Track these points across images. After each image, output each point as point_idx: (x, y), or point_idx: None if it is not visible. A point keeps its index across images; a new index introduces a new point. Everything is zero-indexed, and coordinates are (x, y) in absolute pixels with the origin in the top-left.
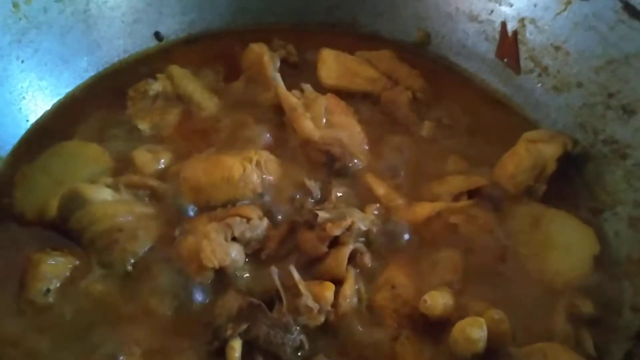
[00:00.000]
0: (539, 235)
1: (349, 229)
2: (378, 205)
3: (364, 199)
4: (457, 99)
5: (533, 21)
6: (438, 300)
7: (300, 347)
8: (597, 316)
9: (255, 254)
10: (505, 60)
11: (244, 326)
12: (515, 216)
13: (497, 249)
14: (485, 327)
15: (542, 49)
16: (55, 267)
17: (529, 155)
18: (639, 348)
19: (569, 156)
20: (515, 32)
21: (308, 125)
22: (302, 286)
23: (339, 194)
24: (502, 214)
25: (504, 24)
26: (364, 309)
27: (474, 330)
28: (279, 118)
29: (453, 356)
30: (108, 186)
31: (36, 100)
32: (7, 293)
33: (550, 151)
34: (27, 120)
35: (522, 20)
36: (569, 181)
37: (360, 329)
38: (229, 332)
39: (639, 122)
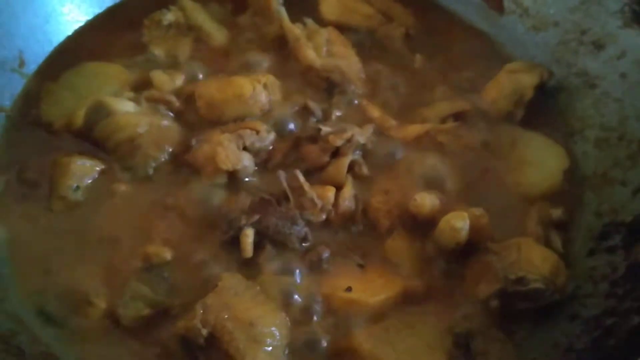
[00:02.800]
0: (516, 153)
1: (349, 140)
2: (373, 125)
3: (360, 121)
4: (445, 36)
5: None
6: (426, 201)
7: (304, 238)
8: (565, 220)
9: (263, 164)
10: (490, 2)
11: (256, 217)
12: (496, 136)
13: (479, 164)
14: (467, 220)
15: None
16: (83, 167)
17: (510, 83)
18: (601, 246)
19: (544, 87)
20: None
21: (310, 54)
22: (306, 186)
23: (338, 114)
24: (484, 135)
25: None
26: (361, 210)
27: (457, 221)
28: (282, 49)
29: (439, 248)
30: (130, 99)
31: (58, 25)
32: (38, 194)
33: (529, 80)
34: (51, 43)
35: None
36: (545, 109)
37: (357, 227)
38: (242, 222)
39: (607, 56)
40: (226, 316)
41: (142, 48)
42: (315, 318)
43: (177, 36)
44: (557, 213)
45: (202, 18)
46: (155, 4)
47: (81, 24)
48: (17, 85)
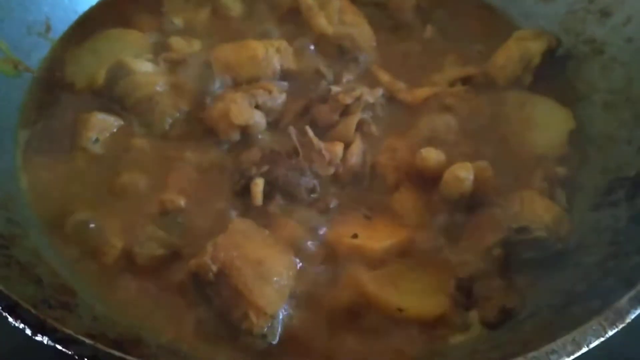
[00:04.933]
0: (522, 115)
1: (358, 99)
2: (382, 88)
3: (370, 85)
4: (456, 8)
5: None
6: (432, 155)
7: (313, 189)
8: (571, 178)
9: (275, 123)
10: None
11: (266, 168)
12: (503, 100)
13: (486, 125)
14: (471, 171)
15: None
16: (103, 122)
17: (518, 50)
18: (605, 201)
19: (553, 55)
20: None
21: (322, 22)
22: (315, 140)
23: (349, 78)
24: (492, 98)
25: None
26: (368, 167)
27: (462, 171)
28: (296, 19)
29: (444, 200)
30: (149, 61)
31: None
32: (60, 147)
33: (536, 46)
34: (76, 12)
35: None
36: (553, 75)
37: (365, 182)
38: (253, 172)
39: (613, 22)
40: (235, 254)
41: (162, 17)
42: (322, 262)
43: (195, 7)
44: (562, 171)
45: None
46: None
47: None
48: (43, 49)
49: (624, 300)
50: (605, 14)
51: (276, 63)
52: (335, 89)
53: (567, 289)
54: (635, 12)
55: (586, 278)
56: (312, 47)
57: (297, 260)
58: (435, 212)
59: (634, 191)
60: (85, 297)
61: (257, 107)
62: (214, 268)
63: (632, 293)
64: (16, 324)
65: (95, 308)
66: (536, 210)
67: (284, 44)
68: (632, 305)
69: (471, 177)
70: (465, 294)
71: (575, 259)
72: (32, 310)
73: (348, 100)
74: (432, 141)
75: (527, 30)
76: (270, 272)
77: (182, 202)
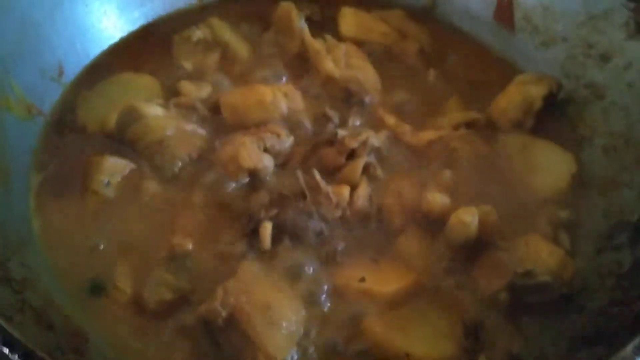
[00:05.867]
0: (525, 159)
1: (364, 143)
2: (388, 131)
3: (375, 128)
4: (459, 52)
5: None
6: (437, 199)
7: (320, 232)
8: (573, 221)
9: (282, 166)
10: (502, 21)
11: (275, 211)
12: (506, 144)
13: (489, 169)
14: (476, 215)
15: (533, 9)
16: (114, 165)
17: (519, 94)
18: (608, 245)
19: (554, 99)
20: None
21: (329, 66)
22: (323, 184)
23: (355, 123)
24: (495, 142)
25: None
26: (375, 209)
27: (467, 216)
28: (303, 63)
29: (449, 244)
30: (160, 105)
31: (95, 39)
32: (72, 190)
33: (538, 91)
34: (88, 56)
35: None
36: (554, 119)
37: (371, 224)
38: (261, 215)
39: (613, 66)
40: (244, 299)
41: (172, 62)
42: (329, 306)
43: (204, 51)
44: (565, 214)
45: (228, 35)
46: (185, 23)
47: (116, 39)
48: (55, 93)
49: (629, 348)
50: (605, 58)
51: (284, 107)
52: (341, 132)
53: (572, 335)
54: (635, 57)
55: (591, 323)
56: (319, 91)
57: (305, 305)
58: (441, 256)
59: (636, 236)
60: (97, 342)
61: (265, 150)
62: (224, 313)
63: (636, 341)
64: None
65: (106, 353)
66: (541, 255)
67: (291, 88)
68: (637, 353)
69: (476, 221)
70: (473, 338)
71: (579, 304)
72: (48, 359)
73: (354, 143)
74: (437, 184)
75: (528, 75)
76: (279, 317)
77: (190, 245)
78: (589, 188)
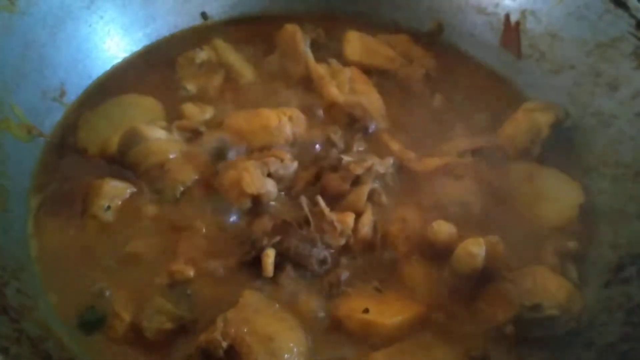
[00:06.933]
0: (532, 187)
1: (369, 169)
2: (392, 157)
3: (380, 154)
4: (465, 78)
5: (533, 12)
6: (443, 228)
7: (324, 260)
8: (581, 252)
9: (286, 191)
10: (508, 47)
11: (277, 238)
12: (512, 171)
13: (495, 197)
14: (483, 246)
15: (540, 36)
16: (115, 189)
17: (526, 121)
18: (617, 278)
19: (561, 126)
20: (517, 23)
21: (334, 91)
22: (326, 211)
23: (360, 149)
24: (501, 170)
25: (507, 16)
26: (379, 237)
27: (474, 247)
28: (307, 87)
29: (455, 274)
30: (162, 128)
31: (98, 60)
32: (71, 213)
33: (545, 118)
34: (90, 77)
35: (523, 11)
36: (561, 147)
37: (376, 253)
38: (264, 242)
39: (621, 95)
40: (246, 330)
41: (175, 83)
42: (332, 338)
43: (208, 73)
44: (572, 245)
45: (232, 57)
46: (188, 44)
47: (119, 60)
48: (57, 114)
49: None
50: (612, 87)
51: (288, 131)
52: (346, 158)
53: None
54: None
55: None
56: (323, 115)
57: (308, 336)
58: (446, 287)
59: None
60: None
61: (269, 175)
62: (224, 344)
63: None
64: None
65: None
66: (549, 288)
67: (296, 112)
68: None
69: (483, 252)
70: None
71: (587, 339)
72: None
73: (359, 170)
74: (442, 212)
75: (535, 102)
76: (281, 349)
77: (191, 272)
78: (596, 219)
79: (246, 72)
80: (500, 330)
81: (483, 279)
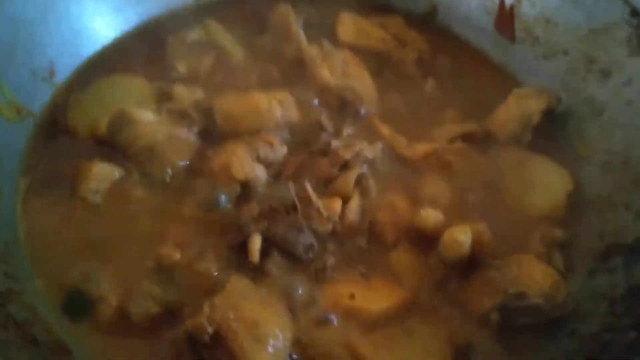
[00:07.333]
0: (521, 174)
1: (357, 154)
2: (382, 142)
3: (370, 138)
4: (458, 62)
5: None
6: (431, 215)
7: (310, 246)
8: (568, 241)
9: (275, 176)
10: (502, 31)
11: (264, 224)
12: (502, 158)
13: (484, 184)
14: (470, 234)
15: (534, 21)
16: (104, 172)
17: (518, 108)
18: (602, 267)
19: (553, 114)
20: (512, 6)
21: (325, 74)
22: (314, 197)
23: (350, 132)
24: (491, 156)
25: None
26: (366, 224)
27: (460, 234)
28: (299, 69)
29: (441, 261)
30: (152, 110)
31: (89, 39)
32: (59, 194)
33: (536, 105)
34: (80, 56)
35: None
36: (552, 134)
37: (363, 239)
38: (251, 228)
39: (614, 82)
40: (232, 316)
41: (165, 63)
42: (318, 323)
43: (199, 53)
44: (559, 233)
45: (223, 37)
46: (180, 24)
47: (110, 40)
48: (46, 94)
49: None
50: (605, 74)
51: (278, 115)
52: (335, 143)
53: None
54: (635, 74)
55: (582, 350)
56: (314, 99)
57: (294, 321)
58: (433, 273)
59: (631, 259)
60: (80, 356)
61: (258, 159)
62: (210, 330)
63: None
64: None
65: None
66: (534, 276)
67: (286, 96)
68: None
69: (469, 240)
70: None
71: (571, 328)
72: None
73: (347, 155)
74: (430, 199)
75: (527, 89)
76: (267, 335)
77: (178, 256)
78: (585, 207)
79: (237, 52)
80: (485, 318)
81: (469, 266)
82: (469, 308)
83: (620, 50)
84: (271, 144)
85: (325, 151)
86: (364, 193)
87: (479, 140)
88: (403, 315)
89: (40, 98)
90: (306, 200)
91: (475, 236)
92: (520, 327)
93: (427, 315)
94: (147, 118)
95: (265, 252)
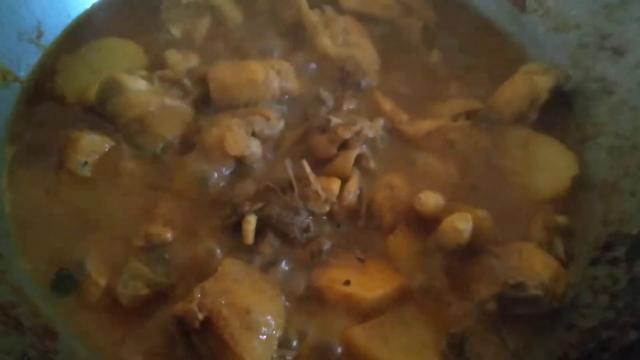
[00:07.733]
0: (526, 156)
1: (357, 133)
2: (384, 119)
3: (371, 113)
4: (465, 32)
5: None
6: (431, 199)
7: (306, 228)
8: (571, 227)
9: (271, 151)
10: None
11: (260, 205)
12: (507, 138)
13: (487, 165)
14: (470, 221)
15: None
16: (92, 143)
17: (525, 84)
18: (604, 257)
19: (561, 91)
20: None
21: (326, 42)
22: (312, 177)
23: (350, 107)
24: (495, 135)
25: None
26: (365, 205)
27: (461, 222)
28: (299, 35)
29: (440, 247)
30: (143, 78)
31: None
32: (47, 165)
33: (544, 82)
34: (69, 16)
35: None
36: (559, 114)
37: (360, 221)
38: (245, 208)
39: (627, 62)
40: (223, 302)
41: (159, 26)
42: (312, 309)
43: (194, 16)
44: (562, 219)
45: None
46: None
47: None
48: (33, 56)
49: None
50: (618, 52)
51: (276, 86)
52: (335, 120)
53: (559, 355)
54: None
55: (579, 345)
56: (313, 68)
57: (287, 307)
58: (430, 259)
59: (634, 252)
60: (67, 339)
61: (253, 134)
62: (200, 316)
63: None
64: None
65: (76, 352)
66: (534, 266)
67: (285, 65)
68: None
69: (470, 228)
70: (457, 350)
71: (569, 320)
72: None
73: (347, 134)
74: (432, 180)
75: (535, 64)
76: (259, 322)
77: (168, 235)
78: (589, 191)
79: (234, 15)
80: (482, 307)
81: (468, 253)
82: (466, 296)
83: (636, 28)
84: (268, 118)
85: (324, 128)
86: (363, 173)
87: (483, 118)
88: (398, 303)
89: (27, 61)
90: (304, 180)
91: (476, 223)
92: (517, 317)
93: (423, 304)
94: (139, 86)
95: (259, 233)
